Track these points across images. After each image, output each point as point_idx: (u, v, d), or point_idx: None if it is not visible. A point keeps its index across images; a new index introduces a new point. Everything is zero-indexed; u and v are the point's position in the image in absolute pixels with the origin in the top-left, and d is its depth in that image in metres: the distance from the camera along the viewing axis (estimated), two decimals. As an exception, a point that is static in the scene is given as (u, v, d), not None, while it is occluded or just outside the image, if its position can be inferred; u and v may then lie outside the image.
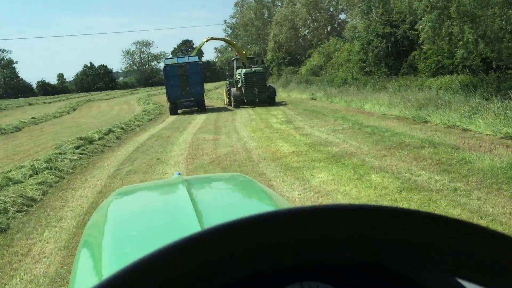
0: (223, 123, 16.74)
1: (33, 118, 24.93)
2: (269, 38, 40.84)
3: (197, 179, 2.12)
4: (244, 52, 26.06)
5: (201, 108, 23.16)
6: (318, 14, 37.50)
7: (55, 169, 9.06)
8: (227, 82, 26.56)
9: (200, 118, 19.50)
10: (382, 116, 14.23)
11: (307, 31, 38.88)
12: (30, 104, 46.24)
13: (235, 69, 25.64)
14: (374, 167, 7.43)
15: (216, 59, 75.50)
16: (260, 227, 0.42)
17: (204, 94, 24.59)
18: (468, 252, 0.44)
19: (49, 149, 12.36)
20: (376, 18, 22.21)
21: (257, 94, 22.57)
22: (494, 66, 14.31)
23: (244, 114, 19.74)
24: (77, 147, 11.46)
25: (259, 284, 0.71)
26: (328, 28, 38.65)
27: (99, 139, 13.22)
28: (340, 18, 39.19)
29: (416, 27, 14.00)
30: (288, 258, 0.45)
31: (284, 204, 1.60)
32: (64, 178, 8.76)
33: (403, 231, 0.44)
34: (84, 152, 11.21)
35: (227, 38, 31.34)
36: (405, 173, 6.94)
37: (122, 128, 15.73)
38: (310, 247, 0.44)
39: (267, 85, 23.56)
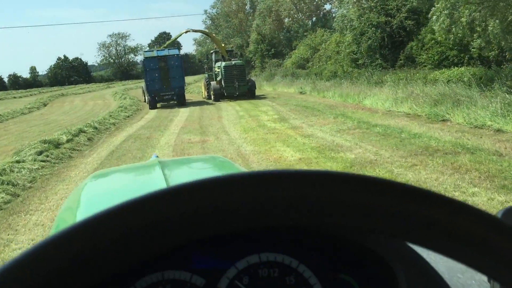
0: (209, 120, 15.10)
1: (-3, 115, 22.80)
2: (251, 30, 39.13)
3: (174, 161, 2.20)
4: (223, 45, 25.53)
5: (182, 102, 22.38)
6: (303, 4, 35.87)
7: (7, 184, 7.33)
8: (206, 75, 26.06)
9: (182, 115, 17.80)
10: (388, 113, 12.80)
11: (291, 22, 37.26)
12: (-1, 99, 43.61)
13: (214, 62, 25.20)
14: (411, 183, 5.93)
15: (195, 52, 73.37)
16: (213, 190, 0.42)
17: (185, 87, 24.03)
18: (407, 214, 0.45)
19: (9, 154, 10.56)
20: (372, 5, 20.77)
21: (237, 87, 22.32)
22: (508, 57, 13.00)
23: (230, 110, 18.12)
24: (40, 153, 9.69)
25: (218, 254, 0.74)
26: (313, 19, 37.10)
27: (68, 141, 11.45)
28: (325, 9, 37.80)
29: (429, 15, 12.57)
30: (234, 222, 0.44)
31: None
32: (18, 196, 7.03)
33: (345, 194, 0.44)
34: (48, 159, 9.45)
35: (206, 30, 29.88)
36: (454, 191, 5.47)
37: (95, 128, 13.94)
38: (256, 211, 0.44)
39: (247, 78, 23.29)
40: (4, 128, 18.38)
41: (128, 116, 18.48)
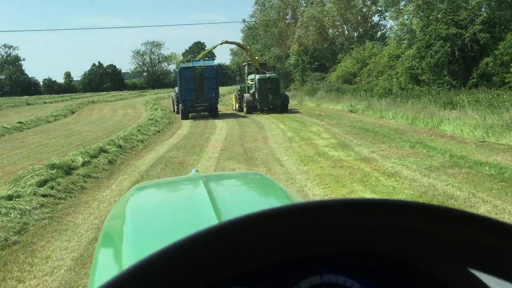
0: (253, 142, 12.73)
1: (19, 123, 21.03)
2: (292, 40, 36.83)
3: (215, 176, 2.24)
4: (256, 58, 25.14)
5: (214, 114, 22.03)
6: (349, 15, 33.34)
7: (-18, 238, 5.10)
8: (238, 87, 25.92)
9: (220, 132, 15.52)
10: (483, 144, 10.13)
11: (336, 33, 34.79)
12: (28, 104, 42.53)
13: (246, 74, 25.15)
14: None
15: (230, 62, 71.61)
16: (276, 221, 0.45)
17: (219, 99, 23.75)
18: (474, 242, 0.46)
19: (10, 178, 8.42)
20: (439, 16, 18.14)
21: (270, 100, 22.24)
22: None
23: (275, 129, 15.73)
24: (44, 182, 7.49)
25: (281, 277, 0.76)
26: (360, 30, 34.51)
27: (84, 164, 9.26)
28: (373, 20, 35.15)
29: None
30: (304, 250, 0.47)
31: None
32: (-7, 261, 4.77)
33: (414, 223, 0.46)
34: (52, 192, 7.22)
35: (241, 43, 28.71)
36: None
37: (119, 146, 11.74)
38: (325, 240, 0.46)
39: (281, 92, 23.15)
40: (21, 139, 16.48)
41: (159, 131, 16.30)
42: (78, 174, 8.55)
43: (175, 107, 24.78)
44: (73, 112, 30.22)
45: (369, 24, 34.62)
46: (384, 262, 0.75)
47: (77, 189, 7.77)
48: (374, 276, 0.77)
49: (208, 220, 1.15)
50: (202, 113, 22.05)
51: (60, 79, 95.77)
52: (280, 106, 22.45)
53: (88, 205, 6.86)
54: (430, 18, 18.57)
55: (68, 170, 8.58)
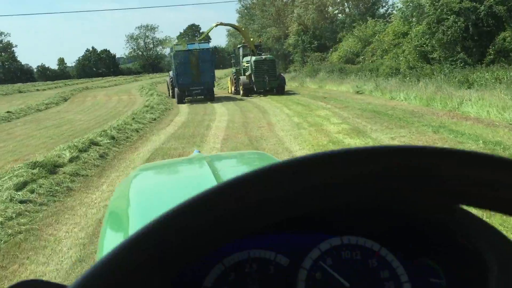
0: (258, 129, 11.72)
1: (8, 112, 19.92)
2: (291, 20, 35.47)
3: (218, 156, 2.22)
4: (252, 39, 25.02)
5: (211, 97, 21.81)
6: (350, -9, 31.93)
7: None
8: (233, 69, 25.58)
9: (220, 119, 14.48)
10: (516, 128, 9.13)
11: (336, 11, 33.48)
12: (20, 92, 41.22)
13: (241, 57, 24.86)
14: None
15: (226, 44, 70.02)
16: (286, 174, 0.44)
17: (215, 82, 23.57)
18: (466, 177, 0.46)
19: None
20: (450, -11, 16.96)
21: (267, 82, 21.86)
22: None
23: (279, 114, 14.70)
24: (23, 185, 6.49)
25: (300, 237, 0.77)
26: (361, 7, 33.11)
27: (71, 160, 8.24)
28: (375, -4, 33.68)
29: None
30: (315, 202, 0.46)
31: None
32: None
33: (414, 164, 0.46)
34: (33, 196, 6.22)
35: (236, 24, 27.98)
36: None
37: (112, 137, 10.69)
38: (333, 191, 0.46)
39: (277, 74, 22.74)
40: (8, 130, 15.41)
41: (155, 119, 15.23)
42: (64, 173, 7.53)
43: (170, 91, 24.41)
44: (66, 100, 29.05)
45: (371, 1, 33.24)
46: (405, 223, 0.72)
47: (63, 191, 6.75)
48: (394, 237, 0.75)
49: None
50: (198, 96, 21.86)
51: (54, 66, 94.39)
52: (276, 88, 22.15)
53: (74, 212, 5.86)
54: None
55: (52, 168, 7.56)
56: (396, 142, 8.74)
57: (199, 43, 23.73)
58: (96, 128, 14.03)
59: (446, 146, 7.98)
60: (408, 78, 18.67)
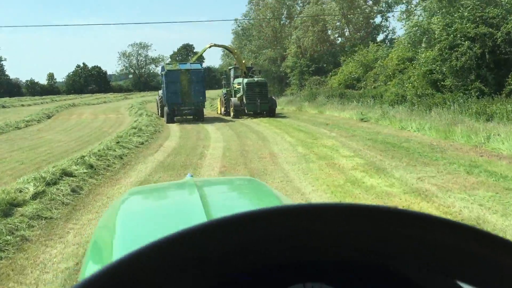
0: (259, 160, 10.28)
1: (-18, 130, 18.32)
2: (290, 41, 34.39)
3: (209, 182, 2.23)
4: (243, 62, 24.95)
5: (200, 117, 21.60)
6: (351, 16, 30.90)
7: None
8: (224, 90, 25.43)
9: (215, 145, 13.03)
10: None
11: (337, 34, 32.45)
12: (4, 107, 39.45)
13: (232, 78, 24.90)
14: None
15: (222, 64, 68.94)
16: (260, 222, 0.43)
17: (206, 103, 23.42)
18: (467, 254, 0.45)
19: None
20: (465, 14, 15.89)
21: (259, 105, 21.86)
22: None
23: (279, 141, 13.33)
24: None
25: (262, 284, 0.71)
26: (362, 32, 32.14)
27: (35, 196, 6.72)
28: (375, 22, 32.86)
29: None
30: (288, 255, 0.45)
31: None
32: None
33: (405, 230, 0.44)
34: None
35: (229, 46, 28.09)
36: None
37: (90, 166, 9.17)
38: (311, 244, 0.45)
39: (269, 96, 22.83)
40: (-23, 150, 13.81)
41: (142, 143, 13.72)
42: (22, 215, 5.99)
43: (159, 111, 24.30)
44: (49, 117, 27.48)
45: (371, 26, 32.31)
46: (369, 271, 0.68)
47: (15, 243, 5.21)
48: (357, 286, 0.71)
49: None
50: (187, 116, 21.82)
51: (43, 81, 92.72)
52: (267, 111, 22.20)
53: (23, 279, 4.33)
54: (455, 16, 16.29)
55: (8, 208, 6.03)
56: (426, 184, 7.34)
57: (191, 63, 23.74)
58: (76, 151, 12.54)
59: (489, 192, 6.62)
60: (416, 107, 17.49)
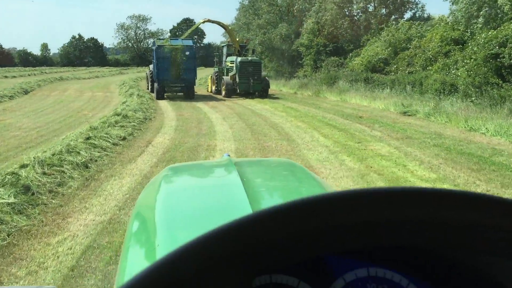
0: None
1: None
2: (306, 16, 30.46)
3: (247, 162, 2.10)
4: (238, 40, 24.38)
5: (190, 95, 21.11)
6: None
7: None
8: (216, 68, 24.67)
9: (223, 145, 9.42)
10: None
11: (359, 10, 28.47)
12: (-17, 79, 35.53)
13: (225, 56, 24.33)
14: None
15: (222, 42, 64.81)
16: (323, 210, 0.42)
17: (196, 80, 22.60)
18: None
19: None
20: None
21: (251, 84, 21.35)
22: None
23: (309, 141, 9.74)
24: None
25: (325, 268, 0.72)
26: (390, 7, 28.16)
27: None
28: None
29: None
30: (348, 242, 0.44)
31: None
32: None
33: (460, 213, 0.43)
34: None
35: (223, 22, 25.89)
36: None
37: (27, 188, 5.59)
38: (371, 231, 0.44)
39: (262, 77, 21.93)
40: None
41: (124, 139, 10.07)
42: None
43: (149, 86, 23.76)
44: (26, 92, 23.73)
45: (398, 1, 28.34)
46: (433, 259, 0.67)
47: None
48: (423, 274, 0.70)
49: (241, 206, 1.11)
50: (177, 93, 21.56)
51: (37, 51, 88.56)
52: (260, 91, 21.67)
53: None
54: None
55: None
56: None
57: (182, 39, 23.07)
58: (30, 148, 9.02)
59: None
60: (474, 99, 13.92)
